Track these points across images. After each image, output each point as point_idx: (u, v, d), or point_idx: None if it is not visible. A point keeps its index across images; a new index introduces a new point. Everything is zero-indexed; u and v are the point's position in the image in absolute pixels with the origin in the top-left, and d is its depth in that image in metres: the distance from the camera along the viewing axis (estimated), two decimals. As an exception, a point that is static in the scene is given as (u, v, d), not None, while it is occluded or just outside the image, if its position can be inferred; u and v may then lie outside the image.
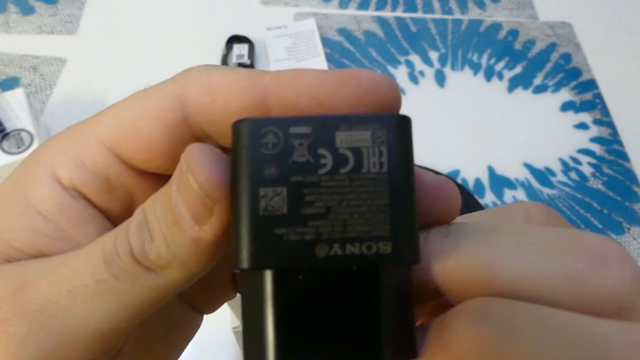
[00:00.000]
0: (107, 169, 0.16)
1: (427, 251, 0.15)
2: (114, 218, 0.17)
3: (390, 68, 0.67)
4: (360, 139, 0.14)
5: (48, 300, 0.15)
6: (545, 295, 0.13)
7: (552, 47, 0.71)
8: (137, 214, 0.15)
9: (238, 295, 0.36)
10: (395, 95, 0.15)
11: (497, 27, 0.73)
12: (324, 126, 0.14)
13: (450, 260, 0.14)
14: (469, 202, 0.54)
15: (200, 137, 0.16)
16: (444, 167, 0.58)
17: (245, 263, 0.14)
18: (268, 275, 0.14)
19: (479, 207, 0.54)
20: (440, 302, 0.15)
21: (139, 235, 0.15)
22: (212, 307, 0.23)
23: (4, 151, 0.49)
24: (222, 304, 0.23)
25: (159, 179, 0.17)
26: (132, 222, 0.15)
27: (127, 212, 0.16)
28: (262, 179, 0.14)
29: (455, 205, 0.16)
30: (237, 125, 0.14)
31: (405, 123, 0.14)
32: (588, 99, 0.66)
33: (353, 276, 0.14)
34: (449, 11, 0.74)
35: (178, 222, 0.14)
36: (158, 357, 0.22)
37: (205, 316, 0.39)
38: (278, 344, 0.13)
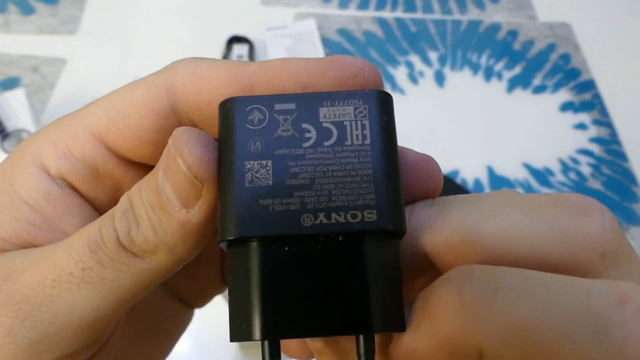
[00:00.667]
0: (95, 157, 0.17)
1: (414, 221, 0.15)
2: (100, 207, 0.17)
3: (390, 68, 0.67)
4: (343, 113, 0.15)
5: (33, 290, 0.15)
6: (532, 247, 0.14)
7: (551, 47, 0.71)
8: (123, 200, 0.15)
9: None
10: (376, 79, 0.16)
11: (496, 27, 0.73)
12: (307, 102, 0.15)
13: (437, 225, 0.15)
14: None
15: (187, 126, 0.16)
16: (444, 168, 0.58)
17: (231, 234, 0.14)
18: (254, 248, 0.14)
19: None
20: (432, 277, 0.15)
21: (125, 222, 0.15)
22: (201, 301, 0.23)
23: (5, 151, 0.49)
24: (211, 298, 0.23)
25: (146, 168, 0.17)
26: (118, 209, 0.15)
27: (113, 202, 0.17)
28: (248, 153, 0.14)
29: (438, 181, 0.16)
30: (223, 104, 0.15)
31: (385, 98, 0.15)
32: (587, 99, 0.66)
33: (340, 247, 0.14)
34: (449, 11, 0.74)
35: (165, 206, 0.14)
36: (150, 351, 0.22)
37: (205, 316, 0.39)
38: (264, 317, 0.13)
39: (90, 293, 0.15)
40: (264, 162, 0.14)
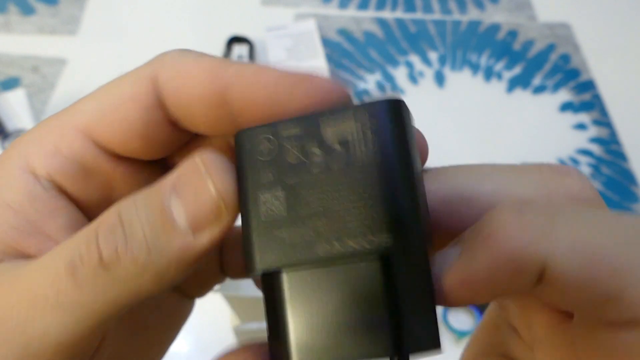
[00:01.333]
0: (84, 154, 0.16)
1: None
2: (89, 208, 0.17)
3: (389, 68, 0.67)
4: (347, 130, 0.14)
5: (8, 312, 0.14)
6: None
7: (551, 47, 0.71)
8: (110, 215, 0.14)
9: (238, 294, 0.37)
10: (345, 102, 0.15)
11: (496, 27, 0.73)
12: (311, 124, 0.14)
13: (434, 185, 0.16)
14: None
15: (175, 120, 0.16)
16: (443, 167, 0.58)
17: (254, 269, 0.14)
18: (279, 278, 0.14)
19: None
20: None
21: (112, 239, 0.14)
22: (201, 292, 0.23)
23: (5, 151, 0.49)
24: (211, 288, 0.23)
25: (136, 164, 0.17)
26: (103, 224, 0.14)
27: (103, 202, 0.16)
28: (261, 185, 0.14)
29: (426, 150, 0.17)
30: (237, 136, 0.15)
31: (393, 107, 0.14)
32: (587, 99, 0.66)
33: (361, 271, 0.14)
34: (448, 12, 0.74)
35: (167, 226, 0.14)
36: (149, 345, 0.22)
37: (205, 316, 0.40)
38: (298, 346, 0.14)
39: (65, 317, 0.14)
40: (277, 194, 0.14)
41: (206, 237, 0.14)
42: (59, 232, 0.16)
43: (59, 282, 0.14)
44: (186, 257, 0.14)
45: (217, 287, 0.31)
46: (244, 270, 0.14)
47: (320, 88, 0.15)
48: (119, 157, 0.17)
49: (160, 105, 0.16)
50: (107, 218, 0.14)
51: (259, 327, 0.40)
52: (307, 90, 0.15)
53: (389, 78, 0.66)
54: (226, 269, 0.21)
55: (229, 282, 0.34)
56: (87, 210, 0.17)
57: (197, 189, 0.14)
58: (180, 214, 0.14)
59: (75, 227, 0.16)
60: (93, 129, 0.16)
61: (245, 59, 0.63)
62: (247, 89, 0.15)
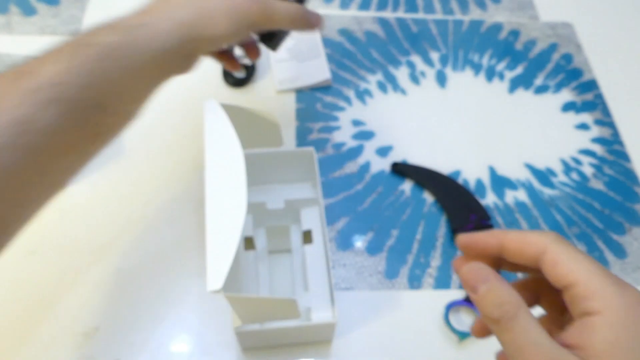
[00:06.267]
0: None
1: None
2: None
3: (391, 68, 0.67)
4: None
5: None
6: None
7: (553, 47, 0.71)
8: None
9: (240, 295, 0.36)
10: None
11: (498, 27, 0.73)
12: None
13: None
14: (470, 202, 0.54)
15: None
16: (445, 168, 0.58)
17: None
18: None
19: (479, 207, 0.54)
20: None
21: None
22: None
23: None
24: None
25: None
26: None
27: None
28: None
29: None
30: None
31: None
32: (589, 99, 0.66)
33: None
34: (450, 12, 0.74)
35: None
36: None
37: (206, 316, 0.42)
38: None
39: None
40: None
41: None
42: None
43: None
44: None
45: (219, 288, 0.31)
46: None
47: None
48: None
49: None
50: None
51: (260, 328, 0.40)
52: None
53: (391, 78, 0.66)
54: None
55: (230, 284, 0.34)
56: None
57: None
58: None
59: None
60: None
61: (246, 58, 0.63)
62: None
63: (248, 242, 0.45)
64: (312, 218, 0.47)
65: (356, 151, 0.59)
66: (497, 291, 0.25)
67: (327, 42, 0.68)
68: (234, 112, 0.39)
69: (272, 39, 0.45)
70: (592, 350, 0.23)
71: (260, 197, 0.47)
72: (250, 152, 0.44)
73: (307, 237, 0.46)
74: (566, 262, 0.25)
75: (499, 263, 0.28)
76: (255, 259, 0.45)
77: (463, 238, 0.28)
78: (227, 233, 0.33)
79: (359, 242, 0.52)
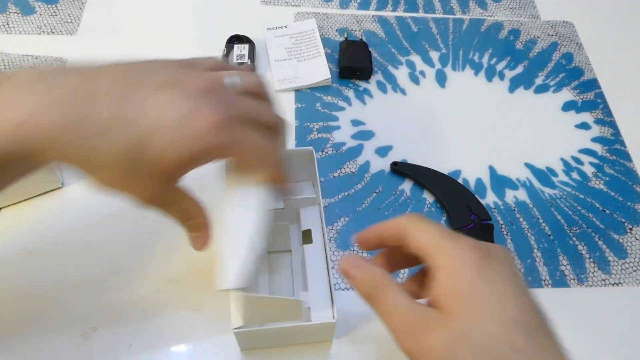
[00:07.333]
0: None
1: None
2: None
3: (391, 68, 0.67)
4: None
5: None
6: None
7: (554, 46, 0.71)
8: None
9: (251, 295, 0.36)
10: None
11: (498, 26, 0.73)
12: None
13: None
14: (471, 202, 0.54)
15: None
16: (445, 168, 0.57)
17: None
18: None
19: (480, 207, 0.54)
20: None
21: None
22: None
23: (4, 152, 0.49)
24: None
25: None
26: None
27: None
28: None
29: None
30: None
31: None
32: (590, 98, 0.66)
33: None
34: (450, 11, 0.74)
35: None
36: None
37: (205, 316, 0.44)
38: None
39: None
40: None
41: None
42: None
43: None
44: None
45: (241, 286, 0.32)
46: None
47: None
48: None
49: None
50: None
51: (260, 328, 0.40)
52: None
53: (390, 78, 0.66)
54: None
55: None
56: None
57: None
58: None
59: None
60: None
61: (246, 58, 0.63)
62: None
63: None
64: (312, 218, 0.47)
65: (356, 151, 0.59)
66: (366, 273, 0.30)
67: (326, 42, 0.68)
68: None
69: None
70: (442, 301, 0.27)
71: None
72: None
73: (306, 237, 0.46)
74: (418, 235, 0.30)
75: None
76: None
77: (355, 238, 0.36)
78: (244, 230, 0.33)
79: (359, 242, 0.52)
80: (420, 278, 0.32)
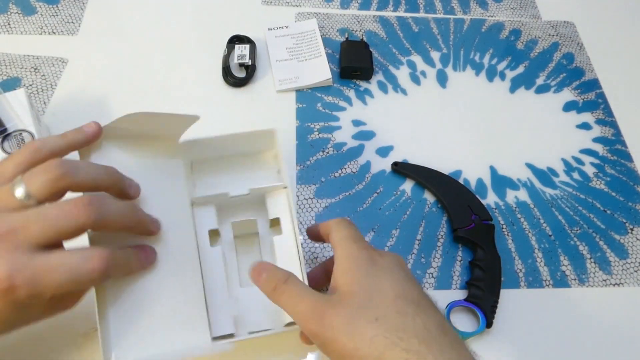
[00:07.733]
0: None
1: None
2: None
3: (392, 68, 0.67)
4: None
5: None
6: None
7: (555, 46, 0.71)
8: None
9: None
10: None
11: (499, 26, 0.73)
12: None
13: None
14: (472, 202, 0.54)
15: None
16: (446, 168, 0.57)
17: None
18: None
19: (481, 207, 0.53)
20: None
21: None
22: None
23: (5, 152, 0.49)
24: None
25: None
26: None
27: None
28: None
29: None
30: None
31: None
32: (591, 98, 0.66)
33: None
34: (451, 11, 0.74)
35: None
36: None
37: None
38: None
39: None
40: None
41: None
42: None
43: None
44: None
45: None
46: None
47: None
48: None
49: None
50: None
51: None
52: None
53: (391, 78, 0.66)
54: None
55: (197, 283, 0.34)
56: None
57: None
58: None
59: None
60: None
61: (247, 58, 0.63)
62: None
63: (213, 236, 0.43)
64: (279, 206, 0.44)
65: (357, 151, 0.59)
66: (271, 272, 0.35)
67: (327, 42, 0.68)
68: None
69: None
70: (341, 285, 0.34)
71: (222, 188, 0.44)
72: (203, 138, 0.43)
73: (275, 226, 0.44)
74: (335, 234, 0.38)
75: None
76: (222, 254, 0.42)
77: (307, 232, 0.43)
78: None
79: (360, 242, 0.52)
80: (329, 266, 0.40)
